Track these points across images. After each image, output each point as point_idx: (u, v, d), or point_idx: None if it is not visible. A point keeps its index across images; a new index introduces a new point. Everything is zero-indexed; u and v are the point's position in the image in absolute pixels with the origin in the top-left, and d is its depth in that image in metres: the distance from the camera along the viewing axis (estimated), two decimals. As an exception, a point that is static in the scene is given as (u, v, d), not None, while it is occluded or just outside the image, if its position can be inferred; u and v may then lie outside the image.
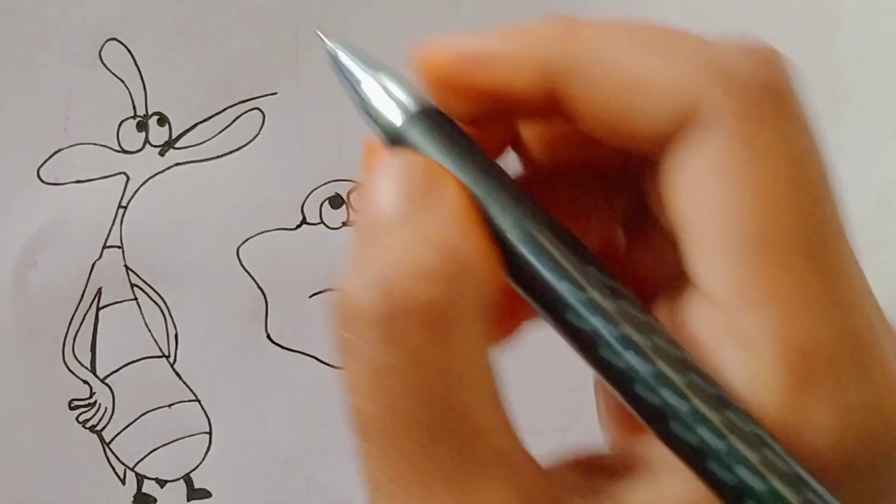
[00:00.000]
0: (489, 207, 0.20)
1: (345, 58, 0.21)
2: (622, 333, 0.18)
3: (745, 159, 0.18)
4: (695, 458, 0.17)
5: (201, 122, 0.32)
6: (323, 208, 0.32)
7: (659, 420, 0.17)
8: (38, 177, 0.32)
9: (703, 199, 0.18)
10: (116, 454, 0.33)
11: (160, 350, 0.33)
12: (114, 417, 0.33)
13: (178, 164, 0.32)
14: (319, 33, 0.21)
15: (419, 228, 0.19)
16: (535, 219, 0.20)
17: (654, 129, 0.19)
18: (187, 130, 0.32)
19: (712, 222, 0.18)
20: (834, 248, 0.18)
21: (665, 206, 0.19)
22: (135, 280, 0.32)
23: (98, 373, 0.33)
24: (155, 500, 0.33)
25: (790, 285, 0.18)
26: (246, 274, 0.32)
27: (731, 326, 0.18)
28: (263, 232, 0.32)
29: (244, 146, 0.32)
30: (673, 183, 0.19)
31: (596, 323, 0.18)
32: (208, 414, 0.33)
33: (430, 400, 0.18)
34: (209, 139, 0.32)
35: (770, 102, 0.19)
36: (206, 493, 0.33)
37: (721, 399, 0.17)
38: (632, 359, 0.18)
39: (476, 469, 0.18)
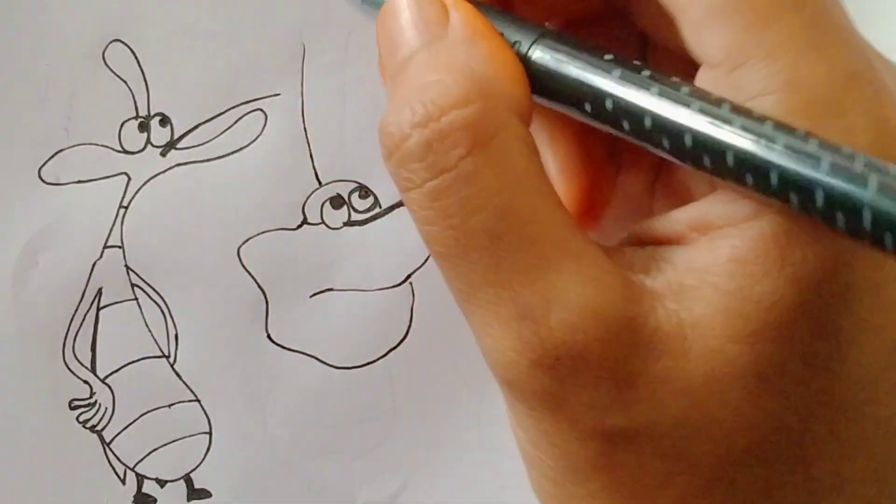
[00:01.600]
0: (504, 29, 0.21)
1: None
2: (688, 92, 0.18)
3: None
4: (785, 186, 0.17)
5: (203, 122, 0.32)
6: (324, 208, 0.32)
7: (742, 165, 0.17)
8: (39, 177, 0.32)
9: None
10: (116, 454, 0.33)
11: (160, 350, 0.33)
12: (114, 417, 0.33)
13: (179, 165, 0.32)
14: None
15: (438, 56, 0.20)
16: (547, 32, 0.21)
17: None
18: (189, 131, 0.32)
19: None
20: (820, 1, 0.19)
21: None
22: (135, 280, 0.32)
23: (98, 373, 0.33)
24: (155, 500, 0.33)
25: (780, 36, 0.18)
26: (246, 274, 0.32)
27: (734, 86, 0.18)
28: (264, 232, 0.32)
29: (246, 147, 0.32)
30: None
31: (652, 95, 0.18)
32: (208, 414, 0.33)
33: (488, 208, 0.19)
34: (211, 140, 0.32)
35: None
36: (206, 493, 0.33)
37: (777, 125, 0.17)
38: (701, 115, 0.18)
39: (547, 262, 0.19)
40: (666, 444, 0.19)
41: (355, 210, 0.32)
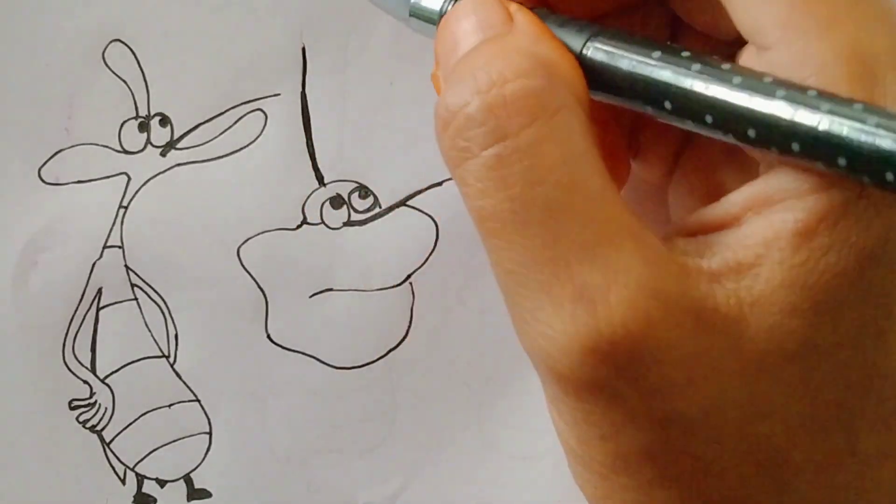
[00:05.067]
0: (557, 30, 0.21)
1: None
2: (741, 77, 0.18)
3: None
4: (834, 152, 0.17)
5: (203, 122, 0.32)
6: (324, 208, 0.32)
7: (833, 147, 0.17)
8: (39, 177, 0.32)
9: None
10: (116, 454, 0.33)
11: (160, 350, 0.33)
12: (114, 417, 0.33)
13: (179, 165, 0.32)
14: None
15: (504, 42, 0.21)
16: (599, 30, 0.21)
17: None
18: (189, 131, 0.32)
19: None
20: None
21: None
22: (135, 280, 0.32)
23: (98, 373, 0.33)
24: (155, 500, 0.33)
25: (836, 8, 0.18)
26: (246, 274, 0.32)
27: (794, 61, 0.18)
28: (264, 232, 0.32)
29: (246, 147, 0.32)
30: None
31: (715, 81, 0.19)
32: (208, 414, 0.33)
33: (550, 180, 0.19)
34: (211, 140, 0.32)
35: None
36: (206, 493, 0.33)
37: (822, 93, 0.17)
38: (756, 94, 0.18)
39: (608, 240, 0.18)
40: (724, 428, 0.19)
41: (355, 210, 0.32)
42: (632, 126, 0.25)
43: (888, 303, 0.18)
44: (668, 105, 0.19)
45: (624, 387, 0.19)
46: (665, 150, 0.24)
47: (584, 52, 0.21)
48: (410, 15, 0.24)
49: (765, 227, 0.18)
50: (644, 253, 0.19)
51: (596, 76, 0.21)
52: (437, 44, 0.22)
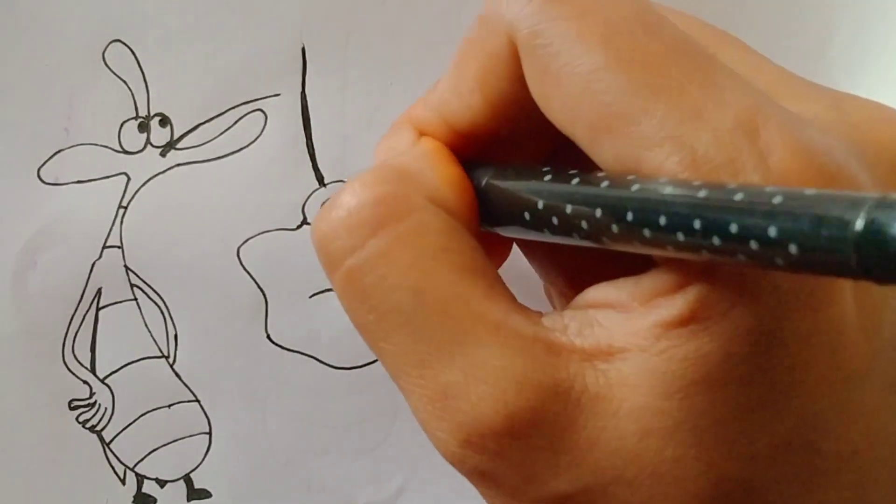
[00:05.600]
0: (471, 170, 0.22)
1: None
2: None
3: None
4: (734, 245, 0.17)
5: (203, 122, 0.32)
6: (324, 209, 0.32)
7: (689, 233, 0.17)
8: (39, 177, 0.32)
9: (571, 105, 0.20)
10: (116, 454, 0.33)
11: (160, 350, 0.33)
12: (114, 417, 0.33)
13: (179, 165, 0.32)
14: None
15: (389, 161, 0.22)
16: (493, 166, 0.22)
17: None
18: (189, 131, 0.32)
19: (573, 121, 0.20)
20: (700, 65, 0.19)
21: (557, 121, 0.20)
22: (135, 280, 0.32)
23: (98, 373, 0.33)
24: (155, 500, 0.33)
25: (653, 125, 0.18)
26: (246, 274, 0.32)
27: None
28: (264, 232, 0.32)
29: (246, 147, 0.32)
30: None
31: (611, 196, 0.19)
32: (208, 414, 0.33)
33: (402, 287, 0.20)
34: (211, 140, 0.32)
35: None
36: (206, 494, 0.33)
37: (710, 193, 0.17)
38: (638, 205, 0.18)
39: (463, 337, 0.19)
40: (607, 503, 0.19)
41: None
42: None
43: (770, 381, 0.18)
44: (554, 220, 0.20)
45: (502, 470, 0.19)
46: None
47: (482, 185, 0.22)
48: None
49: (637, 319, 0.19)
50: (505, 342, 0.19)
51: (498, 211, 0.22)
52: None
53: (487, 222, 0.22)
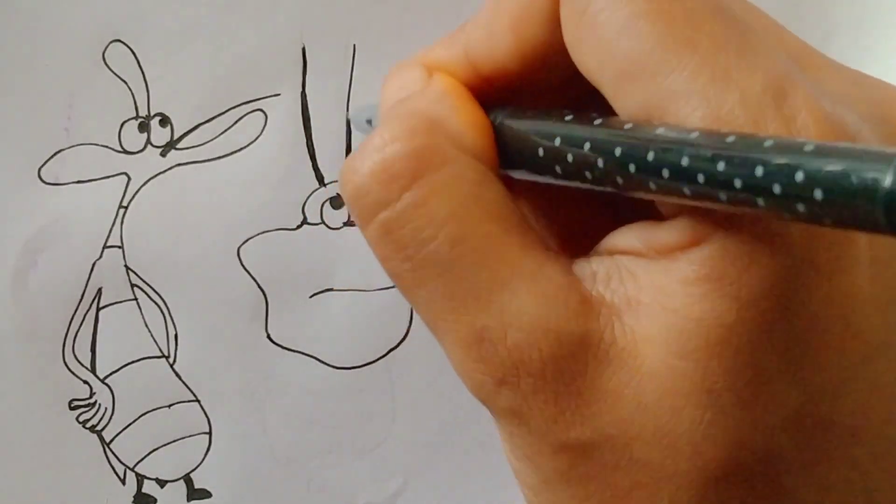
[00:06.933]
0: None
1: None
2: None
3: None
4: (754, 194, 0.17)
5: (203, 122, 0.32)
6: (324, 208, 0.32)
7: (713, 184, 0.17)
8: (39, 177, 0.32)
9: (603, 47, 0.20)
10: (116, 454, 0.33)
11: (160, 350, 0.33)
12: (114, 417, 0.33)
13: (179, 165, 0.32)
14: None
15: (405, 104, 0.22)
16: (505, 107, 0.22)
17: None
18: (189, 131, 0.32)
19: (603, 66, 0.20)
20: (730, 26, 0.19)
21: (585, 77, 0.20)
22: (135, 280, 0.32)
23: (98, 373, 0.33)
24: (155, 500, 0.33)
25: (684, 78, 0.19)
26: (246, 274, 0.32)
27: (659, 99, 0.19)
28: (264, 232, 0.32)
29: (246, 147, 0.32)
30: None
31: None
32: (208, 414, 0.33)
33: (438, 237, 0.20)
34: (211, 140, 0.32)
35: None
36: (206, 494, 0.33)
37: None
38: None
39: (500, 285, 0.20)
40: (626, 456, 0.19)
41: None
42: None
43: (784, 348, 0.18)
44: (586, 172, 0.20)
45: (532, 414, 0.20)
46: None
47: (493, 122, 0.22)
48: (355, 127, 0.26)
49: (661, 273, 0.19)
50: (539, 290, 0.20)
51: (509, 150, 0.22)
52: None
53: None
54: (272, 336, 0.32)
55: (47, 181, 0.32)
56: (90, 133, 0.32)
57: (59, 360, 0.32)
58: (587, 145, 0.19)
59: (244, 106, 0.32)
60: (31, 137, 0.32)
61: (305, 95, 0.32)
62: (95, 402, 0.33)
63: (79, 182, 0.32)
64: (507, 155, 0.22)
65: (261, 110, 0.32)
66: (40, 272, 0.32)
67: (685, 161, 0.17)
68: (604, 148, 0.19)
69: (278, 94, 0.32)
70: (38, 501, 0.33)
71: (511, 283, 0.20)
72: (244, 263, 0.32)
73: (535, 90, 0.23)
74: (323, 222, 0.32)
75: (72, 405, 0.33)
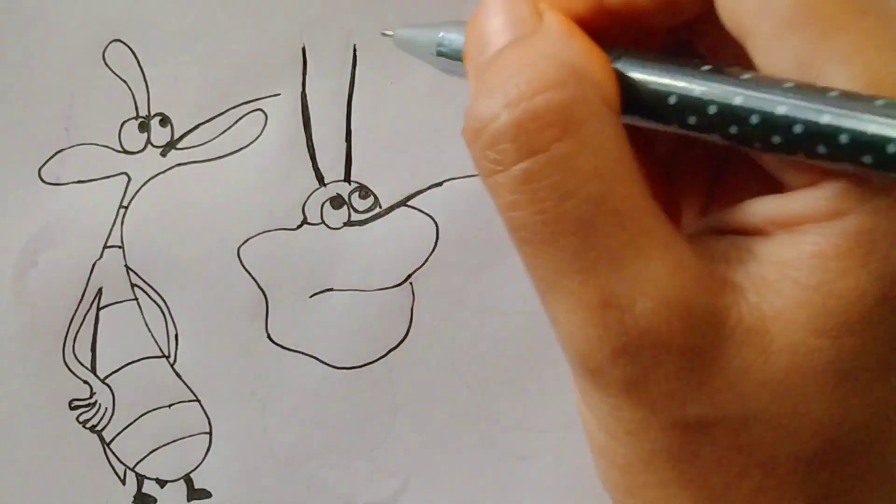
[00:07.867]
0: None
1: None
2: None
3: None
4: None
5: (203, 122, 0.32)
6: (324, 208, 0.32)
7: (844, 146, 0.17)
8: (39, 177, 0.32)
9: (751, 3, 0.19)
10: (116, 454, 0.33)
11: (160, 350, 0.33)
12: (114, 417, 0.33)
13: (179, 165, 0.32)
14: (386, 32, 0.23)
15: (532, 46, 0.20)
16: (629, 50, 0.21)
17: None
18: (189, 131, 0.32)
19: (763, 13, 0.19)
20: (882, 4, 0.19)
21: (727, 23, 0.20)
22: (135, 280, 0.32)
23: (98, 373, 0.33)
24: (155, 500, 0.33)
25: (852, 42, 0.18)
26: (246, 274, 0.32)
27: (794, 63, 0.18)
28: (264, 232, 0.32)
29: (246, 147, 0.32)
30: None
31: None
32: (208, 414, 0.33)
33: (580, 193, 0.19)
34: (211, 140, 0.32)
35: None
36: (206, 494, 0.33)
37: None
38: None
39: (636, 250, 0.19)
40: (745, 437, 0.19)
41: (355, 210, 0.32)
42: (669, 157, 0.25)
43: None
44: (713, 123, 0.19)
45: (649, 386, 0.19)
46: (700, 177, 0.24)
47: (615, 65, 0.21)
48: (438, 55, 0.24)
49: (787, 247, 0.19)
50: (672, 262, 0.19)
51: (629, 95, 0.21)
52: (466, 42, 0.22)
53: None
54: (272, 336, 0.32)
55: (47, 181, 0.32)
56: (90, 133, 0.32)
57: (60, 359, 0.32)
58: (739, 98, 0.19)
59: (244, 106, 0.32)
60: (31, 137, 0.32)
61: (305, 95, 0.32)
62: (95, 401, 0.33)
63: (79, 182, 0.32)
64: (629, 100, 0.21)
65: (261, 110, 0.32)
66: (41, 272, 0.32)
67: (873, 128, 0.17)
68: (761, 108, 0.18)
69: (278, 94, 0.32)
70: (38, 501, 0.33)
71: (647, 249, 0.19)
72: (244, 263, 0.32)
73: (651, 31, 0.22)
74: (323, 222, 0.32)
75: (72, 405, 0.33)
